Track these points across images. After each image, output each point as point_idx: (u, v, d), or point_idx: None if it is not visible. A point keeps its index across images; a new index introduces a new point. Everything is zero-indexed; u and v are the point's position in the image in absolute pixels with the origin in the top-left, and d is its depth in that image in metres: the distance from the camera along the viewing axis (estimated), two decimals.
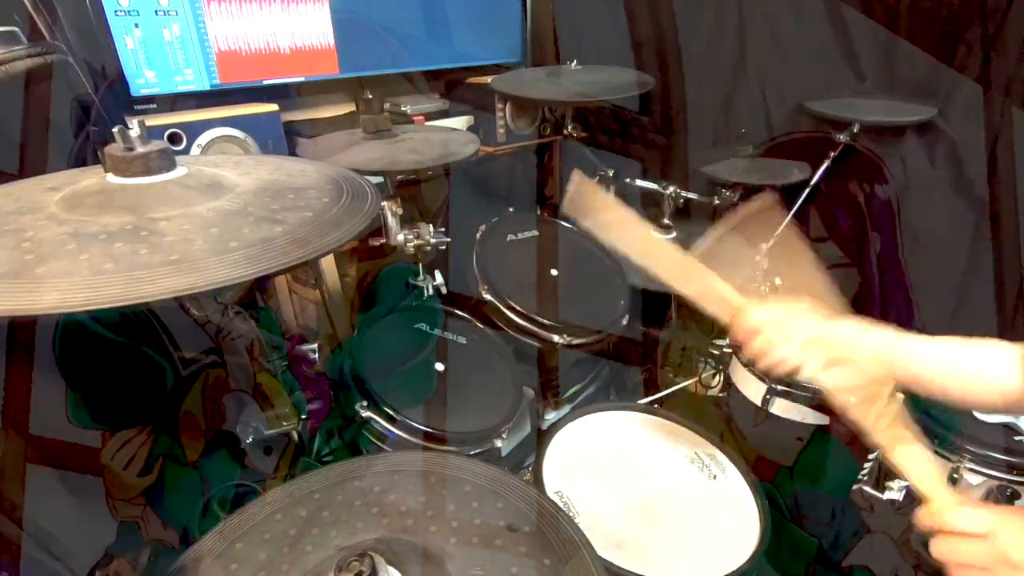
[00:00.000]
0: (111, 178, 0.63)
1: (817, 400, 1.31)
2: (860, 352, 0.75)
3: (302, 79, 1.51)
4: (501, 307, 1.27)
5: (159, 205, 0.60)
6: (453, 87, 1.88)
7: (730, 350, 1.47)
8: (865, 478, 1.26)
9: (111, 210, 0.58)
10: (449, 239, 1.29)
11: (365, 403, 1.04)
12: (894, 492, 1.23)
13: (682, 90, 1.82)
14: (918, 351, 0.74)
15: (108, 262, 0.51)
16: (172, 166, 0.65)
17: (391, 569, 0.60)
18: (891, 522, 1.19)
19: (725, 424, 1.43)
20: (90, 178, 0.65)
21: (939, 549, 0.60)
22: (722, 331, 1.62)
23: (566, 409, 1.47)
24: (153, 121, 1.20)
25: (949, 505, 0.62)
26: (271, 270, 0.53)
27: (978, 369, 0.72)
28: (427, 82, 1.83)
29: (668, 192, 1.60)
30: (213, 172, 0.69)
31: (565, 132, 1.77)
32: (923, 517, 0.62)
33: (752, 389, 1.38)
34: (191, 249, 0.53)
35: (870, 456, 1.25)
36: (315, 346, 1.28)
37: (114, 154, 0.62)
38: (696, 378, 1.62)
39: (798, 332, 0.76)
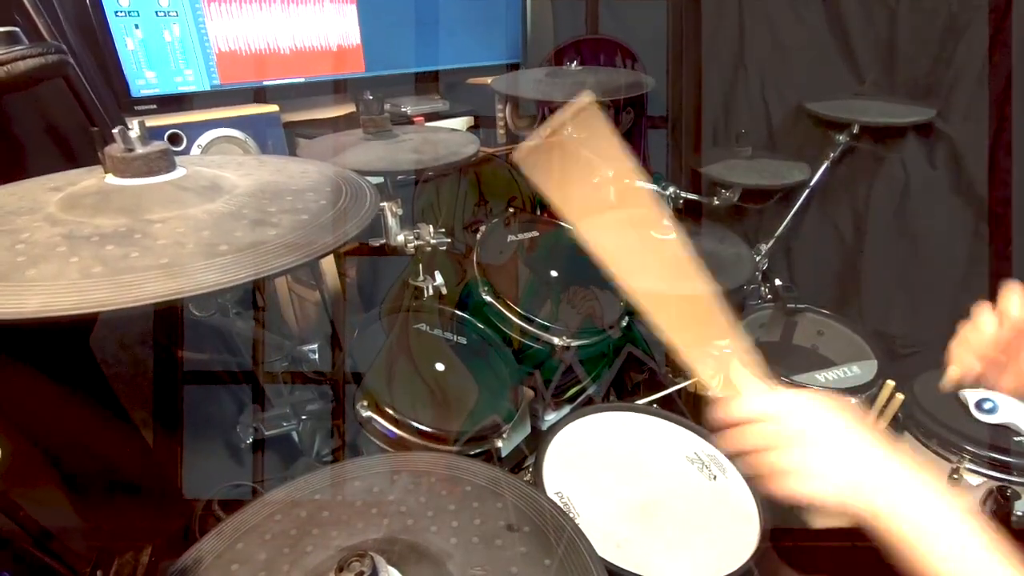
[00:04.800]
0: (110, 179, 0.63)
1: None
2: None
3: (302, 80, 1.51)
4: (501, 307, 1.27)
5: (155, 207, 0.60)
6: (453, 87, 1.88)
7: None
8: None
9: (107, 211, 0.58)
10: (449, 240, 1.29)
11: (365, 403, 1.04)
12: None
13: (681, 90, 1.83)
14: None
15: (97, 265, 0.51)
16: (172, 167, 0.66)
17: (391, 569, 0.60)
18: None
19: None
20: (90, 179, 0.65)
21: (731, 440, 0.60)
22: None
23: (566, 409, 1.47)
24: (153, 122, 1.20)
25: (736, 397, 0.63)
26: (260, 275, 0.53)
27: None
28: (427, 82, 1.83)
29: (668, 192, 1.60)
30: (212, 173, 0.69)
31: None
32: (715, 412, 0.62)
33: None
34: (181, 252, 0.53)
35: None
36: (315, 346, 1.28)
37: (113, 155, 0.62)
38: (696, 378, 1.61)
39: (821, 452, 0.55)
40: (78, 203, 0.60)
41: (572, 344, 1.27)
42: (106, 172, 0.64)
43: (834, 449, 0.55)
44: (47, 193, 0.63)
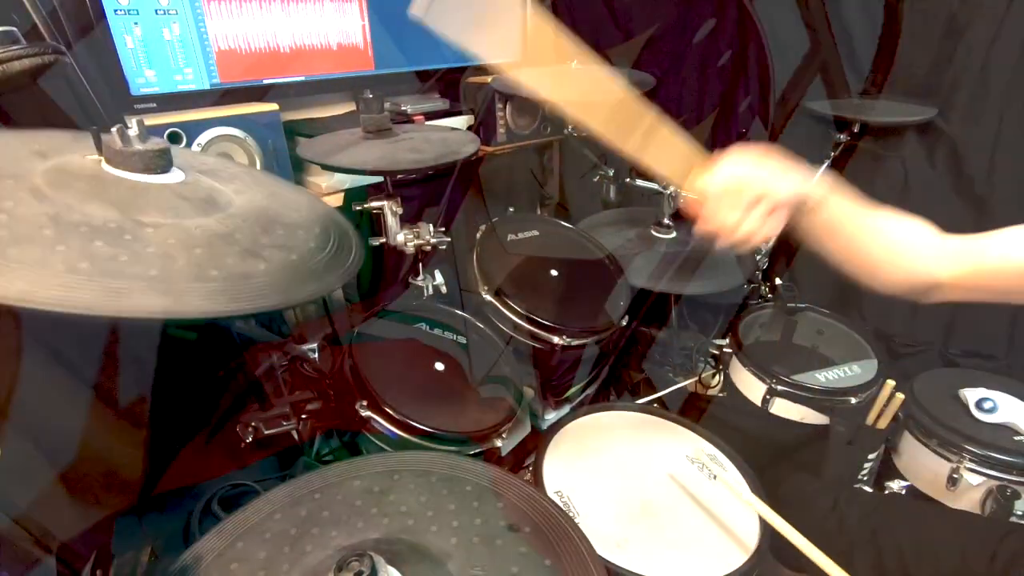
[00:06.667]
0: (106, 167, 0.61)
1: (818, 401, 1.31)
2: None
3: (302, 78, 1.51)
4: (501, 307, 1.27)
5: (149, 208, 0.58)
6: (453, 86, 1.87)
7: (730, 350, 1.47)
8: (865, 477, 1.26)
9: (99, 200, 0.56)
10: (449, 239, 1.28)
11: (365, 403, 1.04)
12: (894, 490, 1.23)
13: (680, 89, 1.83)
14: (854, 211, 0.76)
15: (84, 261, 0.48)
16: (169, 166, 0.65)
17: (391, 569, 0.60)
18: None
19: (725, 424, 1.43)
20: (84, 155, 0.62)
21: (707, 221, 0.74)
22: (722, 331, 1.62)
23: (566, 409, 1.47)
24: (153, 120, 1.20)
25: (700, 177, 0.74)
26: (244, 311, 0.53)
27: (899, 239, 0.76)
28: (427, 82, 1.83)
29: (668, 192, 1.60)
30: (209, 184, 0.68)
31: (565, 132, 1.77)
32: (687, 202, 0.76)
33: (752, 389, 1.38)
34: (172, 267, 0.52)
35: (870, 456, 1.25)
36: (315, 346, 1.28)
37: (112, 147, 0.61)
38: (696, 378, 1.62)
39: (748, 192, 0.72)
40: (70, 184, 0.57)
41: (572, 343, 1.26)
42: (102, 159, 0.62)
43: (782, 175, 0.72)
44: (32, 159, 0.59)
